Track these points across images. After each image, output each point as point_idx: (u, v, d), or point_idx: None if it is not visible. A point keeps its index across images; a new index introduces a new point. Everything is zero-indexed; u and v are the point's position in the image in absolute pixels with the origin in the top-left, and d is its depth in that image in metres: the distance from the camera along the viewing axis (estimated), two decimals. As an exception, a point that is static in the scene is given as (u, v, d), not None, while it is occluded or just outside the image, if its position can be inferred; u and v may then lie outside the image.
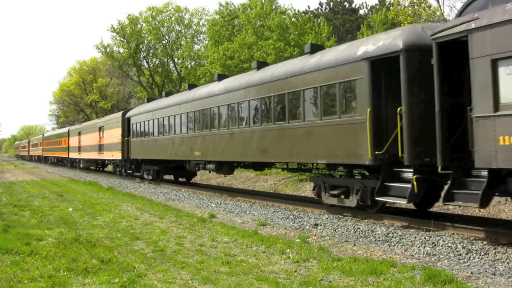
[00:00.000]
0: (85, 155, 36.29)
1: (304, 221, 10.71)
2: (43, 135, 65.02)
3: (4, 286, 5.73)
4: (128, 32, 44.76)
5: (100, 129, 31.75)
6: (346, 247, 8.10)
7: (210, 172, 18.23)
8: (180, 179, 23.96)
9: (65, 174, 34.02)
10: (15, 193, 18.55)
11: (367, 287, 5.67)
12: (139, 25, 45.45)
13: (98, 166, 36.99)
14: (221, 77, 17.46)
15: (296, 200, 14.90)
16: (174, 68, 48.17)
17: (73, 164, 42.72)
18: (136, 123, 24.36)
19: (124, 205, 14.26)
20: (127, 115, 26.04)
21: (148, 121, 22.60)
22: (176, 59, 46.07)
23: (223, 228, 9.93)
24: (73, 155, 41.13)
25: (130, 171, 26.45)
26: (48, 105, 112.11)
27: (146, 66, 48.18)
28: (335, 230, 9.55)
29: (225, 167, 16.40)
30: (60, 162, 51.11)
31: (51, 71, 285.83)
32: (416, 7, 22.80)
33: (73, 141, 40.81)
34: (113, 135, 27.87)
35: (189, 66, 42.96)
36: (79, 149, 38.21)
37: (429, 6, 23.24)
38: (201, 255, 7.55)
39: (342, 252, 7.68)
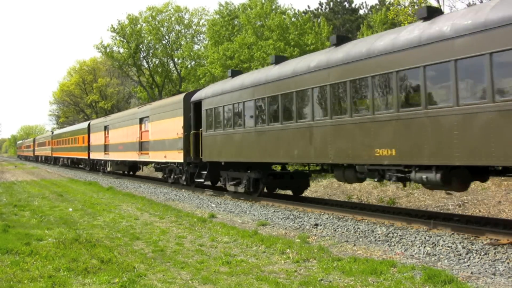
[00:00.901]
0: (116, 156, 27.90)
1: (304, 221, 10.71)
2: (52, 133, 55.46)
3: (4, 286, 5.73)
4: (128, 32, 44.79)
5: (143, 121, 23.43)
6: (346, 247, 8.10)
7: (407, 183, 11.69)
8: (280, 191, 16.56)
9: (65, 174, 33.99)
10: (15, 193, 18.55)
11: (367, 287, 5.67)
12: (139, 25, 45.49)
13: (135, 169, 30.04)
14: (432, 13, 9.43)
15: (296, 200, 14.90)
16: (174, 68, 48.22)
17: (94, 166, 34.86)
18: (215, 109, 16.08)
19: (124, 205, 14.25)
20: (196, 97, 17.58)
21: (243, 103, 14.51)
22: (176, 59, 46.11)
23: (223, 228, 9.93)
24: (96, 155, 32.86)
25: (200, 180, 17.52)
26: (48, 105, 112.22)
27: (146, 66, 48.24)
28: (335, 230, 9.55)
29: (458, 178, 8.68)
30: (75, 164, 42.52)
31: (51, 71, 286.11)
32: (416, 7, 22.82)
33: (96, 138, 32.59)
34: (168, 128, 19.62)
35: (189, 66, 42.99)
36: (106, 148, 30.14)
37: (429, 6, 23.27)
38: (201, 255, 7.55)
39: (342, 252, 7.68)
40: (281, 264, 6.90)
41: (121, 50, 46.05)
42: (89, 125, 35.63)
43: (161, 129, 20.64)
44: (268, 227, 10.28)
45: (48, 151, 54.97)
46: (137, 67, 47.09)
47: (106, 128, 30.57)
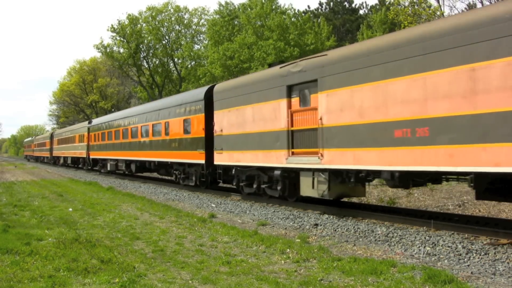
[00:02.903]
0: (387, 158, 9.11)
1: (304, 221, 10.71)
2: (89, 123, 35.75)
3: (4, 286, 5.73)
4: (128, 32, 44.85)
5: None
6: (346, 247, 8.10)
7: None
8: None
9: (65, 174, 33.97)
10: (15, 193, 18.54)
11: (367, 287, 5.67)
12: (139, 25, 45.55)
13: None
14: None
15: (296, 200, 14.86)
16: (174, 68, 48.30)
17: (238, 180, 15.08)
18: None
19: (124, 205, 14.25)
20: None
21: None
22: (176, 59, 46.15)
23: (223, 228, 9.93)
24: (245, 157, 13.92)
25: None
26: (48, 105, 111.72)
27: (146, 66, 48.31)
28: (335, 230, 9.55)
29: None
30: (144, 170, 24.09)
31: (51, 71, 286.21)
32: (416, 7, 22.85)
33: (240, 120, 14.07)
34: None
35: (189, 66, 43.04)
36: (311, 139, 11.26)
37: (429, 6, 23.30)
38: (201, 255, 7.55)
39: (342, 252, 7.68)
40: (281, 264, 6.90)
41: (121, 50, 46.16)
42: (210, 93, 16.41)
43: None
44: (268, 227, 10.28)
45: (81, 150, 36.59)
46: (137, 67, 47.16)
47: (293, 90, 11.95)
